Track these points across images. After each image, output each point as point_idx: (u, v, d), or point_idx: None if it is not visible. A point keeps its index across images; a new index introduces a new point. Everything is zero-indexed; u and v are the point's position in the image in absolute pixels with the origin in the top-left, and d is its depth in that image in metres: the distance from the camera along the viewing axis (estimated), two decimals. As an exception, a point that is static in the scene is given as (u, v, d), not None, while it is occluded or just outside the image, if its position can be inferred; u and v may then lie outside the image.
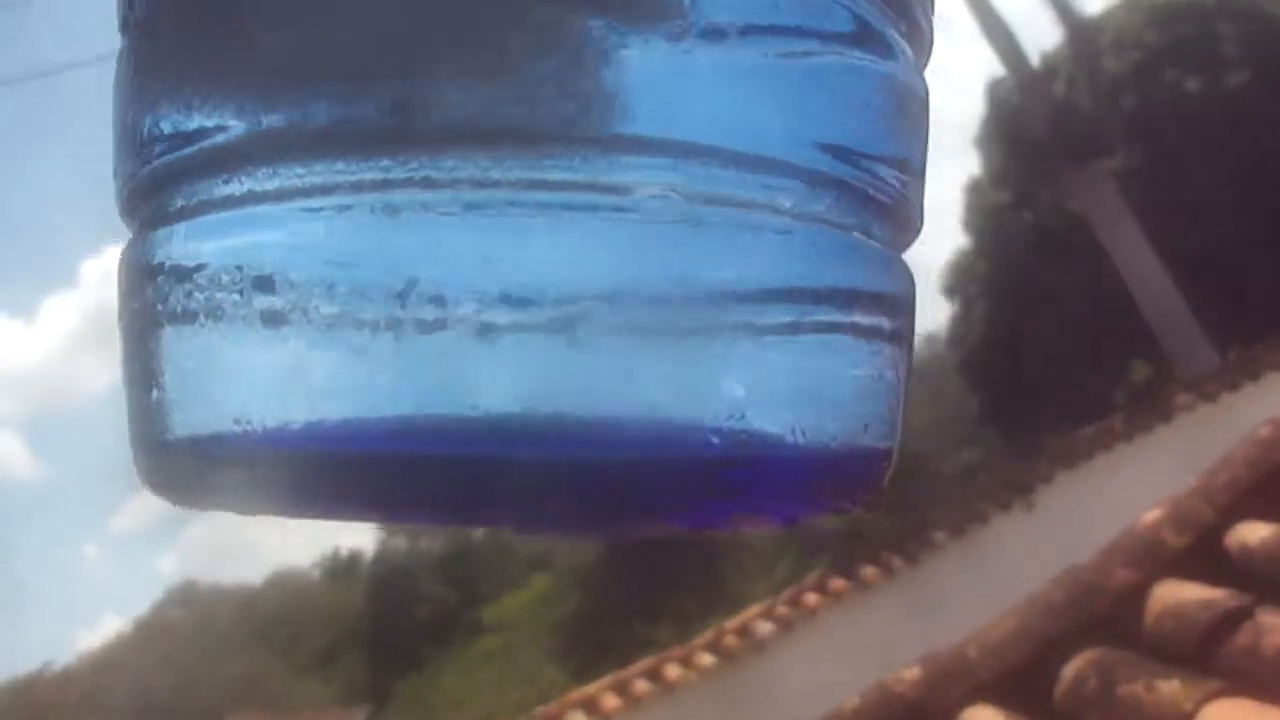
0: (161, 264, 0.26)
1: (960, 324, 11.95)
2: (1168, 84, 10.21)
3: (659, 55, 0.24)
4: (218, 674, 15.67)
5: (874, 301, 0.29)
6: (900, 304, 0.30)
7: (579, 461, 0.24)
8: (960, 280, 11.97)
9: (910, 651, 1.65)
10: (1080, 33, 9.78)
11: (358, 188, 0.24)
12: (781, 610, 5.56)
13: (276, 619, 17.02)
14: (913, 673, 1.55)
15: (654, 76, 0.24)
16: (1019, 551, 5.23)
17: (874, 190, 0.28)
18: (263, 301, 0.24)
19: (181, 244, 0.26)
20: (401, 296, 0.23)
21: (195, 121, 0.25)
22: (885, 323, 0.29)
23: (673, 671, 5.38)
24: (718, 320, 0.25)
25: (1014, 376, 10.58)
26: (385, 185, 0.24)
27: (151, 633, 18.28)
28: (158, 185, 0.27)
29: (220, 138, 0.25)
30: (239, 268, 0.25)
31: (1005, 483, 6.12)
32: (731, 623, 5.66)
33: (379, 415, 0.24)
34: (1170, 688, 1.34)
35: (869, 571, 5.67)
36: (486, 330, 0.23)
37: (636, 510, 0.27)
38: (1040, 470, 6.00)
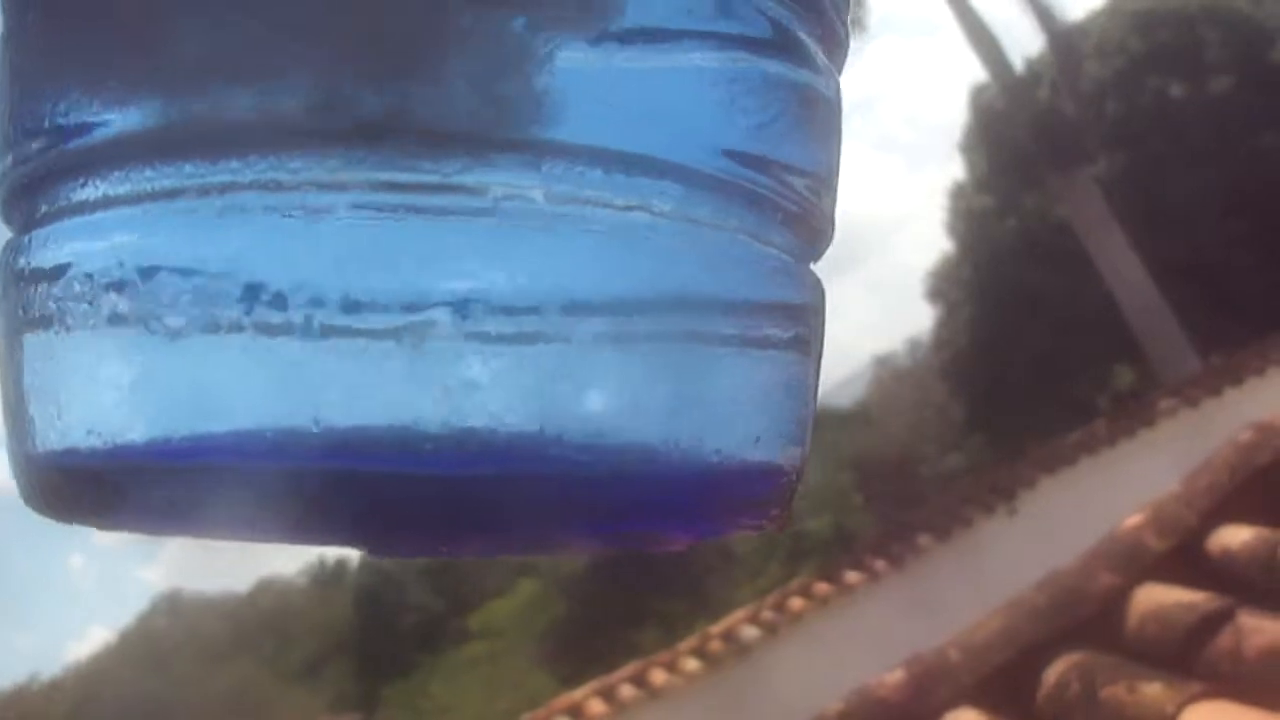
0: (23, 270, 0.26)
1: (944, 329, 11.99)
2: (1151, 90, 10.25)
3: (552, 58, 0.23)
4: (205, 683, 15.59)
5: (765, 310, 0.27)
6: (800, 312, 0.28)
7: (434, 477, 0.23)
8: (944, 285, 12.01)
9: (895, 655, 1.65)
10: (1063, 39, 9.81)
11: (204, 191, 0.23)
12: (766, 615, 5.56)
13: (263, 627, 16.95)
14: (896, 676, 1.55)
15: (536, 79, 0.23)
16: (1003, 555, 5.24)
17: (774, 195, 0.27)
18: (111, 309, 0.23)
19: (40, 249, 0.25)
20: (245, 302, 0.22)
21: (53, 124, 0.25)
22: (778, 332, 0.27)
23: (658, 677, 5.37)
24: (576, 329, 0.23)
25: (998, 381, 10.61)
26: (231, 188, 0.23)
27: (138, 643, 18.20)
28: (24, 189, 0.26)
29: (76, 141, 0.24)
30: (90, 275, 0.24)
31: (989, 487, 6.13)
32: (717, 627, 5.65)
33: (222, 431, 0.23)
34: (1152, 690, 1.35)
35: (853, 576, 5.67)
36: (330, 337, 0.22)
37: (502, 531, 0.25)
38: (1024, 475, 6.01)
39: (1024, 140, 9.44)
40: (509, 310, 0.23)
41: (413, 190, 0.22)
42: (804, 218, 0.28)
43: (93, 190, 0.24)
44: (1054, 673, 1.48)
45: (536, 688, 11.22)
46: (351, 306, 0.22)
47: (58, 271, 0.24)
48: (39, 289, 0.25)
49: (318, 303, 0.22)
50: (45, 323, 0.24)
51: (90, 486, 0.25)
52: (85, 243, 0.24)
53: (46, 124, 0.25)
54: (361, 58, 0.23)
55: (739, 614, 5.72)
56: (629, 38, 0.24)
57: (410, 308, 0.22)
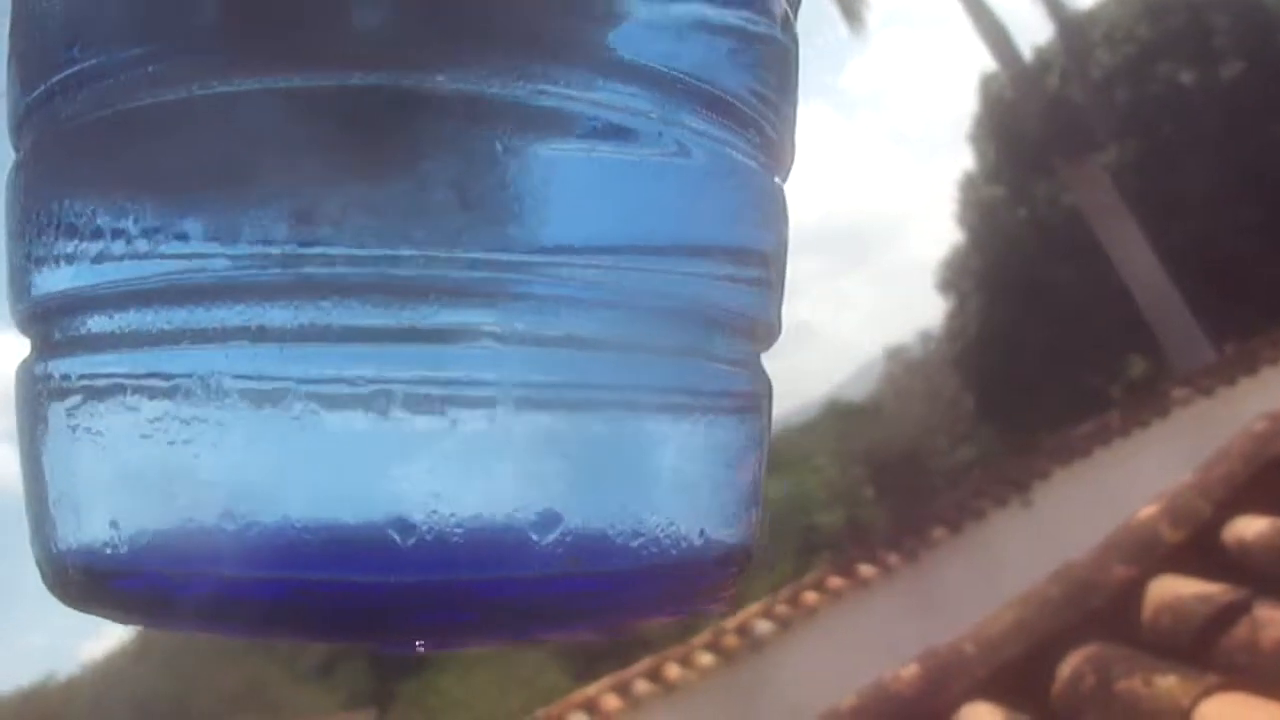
0: (43, 385, 0.28)
1: (955, 320, 11.97)
2: (1161, 77, 10.22)
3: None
4: (219, 682, 15.67)
5: (709, 406, 0.29)
6: (748, 402, 0.30)
7: (418, 583, 0.25)
8: (955, 276, 11.99)
9: (909, 649, 1.65)
10: (1073, 27, 9.79)
11: (200, 337, 0.25)
12: (780, 609, 5.56)
13: (276, 625, 17.02)
14: (910, 670, 1.55)
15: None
16: (1016, 548, 5.23)
17: (716, 300, 0.28)
18: (122, 425, 0.25)
19: (57, 367, 0.27)
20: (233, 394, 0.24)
21: (69, 255, 0.26)
22: (727, 430, 0.29)
23: (673, 671, 5.38)
24: (524, 425, 0.25)
25: (1010, 373, 10.59)
26: (223, 335, 0.24)
27: (153, 642, 18.27)
28: (39, 317, 0.28)
29: (85, 285, 0.26)
30: (104, 393, 0.26)
31: (1002, 479, 6.12)
32: (730, 622, 5.66)
33: (222, 544, 0.24)
34: (1167, 683, 1.34)
35: (867, 569, 5.67)
36: (318, 409, 0.24)
37: (483, 631, 0.27)
38: (1037, 467, 6.00)
39: (1034, 129, 9.42)
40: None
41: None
42: (753, 319, 0.30)
43: (104, 324, 0.26)
44: (1068, 666, 1.48)
45: (549, 684, 11.24)
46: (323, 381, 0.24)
47: (75, 389, 0.27)
48: (57, 402, 0.27)
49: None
50: (65, 434, 0.27)
51: (106, 585, 0.27)
52: (96, 366, 0.26)
53: (60, 256, 0.27)
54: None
55: (753, 608, 5.73)
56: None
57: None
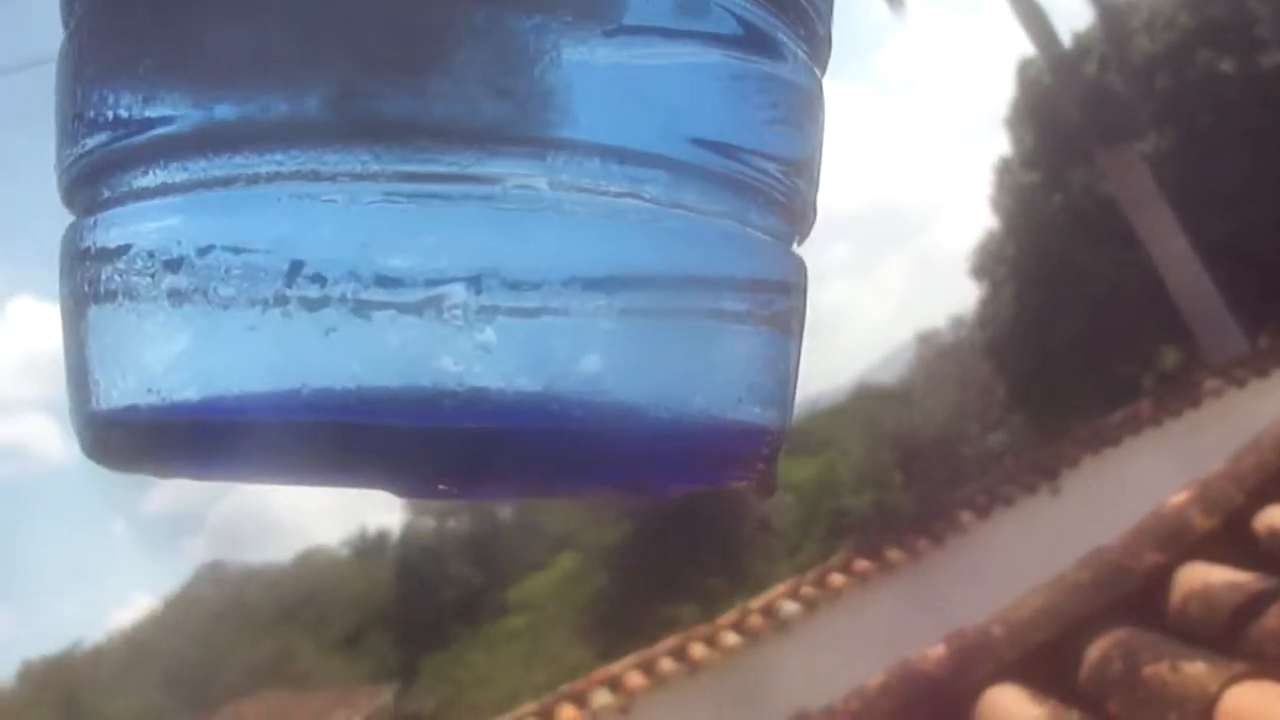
0: (89, 249, 0.29)
1: (988, 306, 11.91)
2: (1201, 65, 10.12)
3: (556, 58, 0.26)
4: (247, 652, 15.77)
5: (746, 286, 0.30)
6: (781, 288, 0.32)
7: (453, 430, 0.26)
8: (988, 262, 11.93)
9: (934, 632, 1.65)
10: (1112, 13, 9.70)
11: (253, 180, 0.26)
12: (806, 590, 5.57)
13: (304, 598, 17.12)
14: (938, 650, 1.55)
15: (534, 77, 0.26)
16: (1044, 535, 5.22)
17: (752, 181, 0.30)
18: (170, 283, 0.26)
19: (105, 231, 0.28)
20: (288, 277, 0.25)
21: (117, 117, 0.27)
22: (760, 307, 0.30)
23: (698, 650, 5.39)
24: (575, 302, 0.26)
25: (1041, 360, 10.54)
26: (276, 177, 0.26)
27: (181, 611, 18.42)
28: (87, 177, 0.29)
29: (139, 135, 0.27)
30: (151, 253, 0.27)
31: (1032, 466, 6.10)
32: (756, 602, 5.66)
33: (268, 390, 0.26)
34: (1195, 669, 1.34)
35: (894, 553, 5.67)
36: (363, 309, 0.25)
37: (513, 477, 0.28)
38: (1067, 454, 5.98)
39: (1071, 116, 9.34)
40: (517, 285, 0.26)
41: (433, 180, 0.26)
42: (779, 200, 0.31)
43: (153, 178, 0.27)
44: (1096, 650, 1.48)
45: (574, 661, 11.28)
46: (381, 282, 0.25)
47: (120, 250, 0.28)
48: (103, 266, 0.28)
49: (352, 278, 0.25)
50: (109, 296, 0.28)
51: (149, 439, 0.28)
52: (146, 224, 0.27)
53: (111, 117, 0.28)
54: (380, 59, 0.26)
55: (779, 589, 5.73)
56: (622, 38, 0.27)
57: (431, 283, 0.25)
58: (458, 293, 0.25)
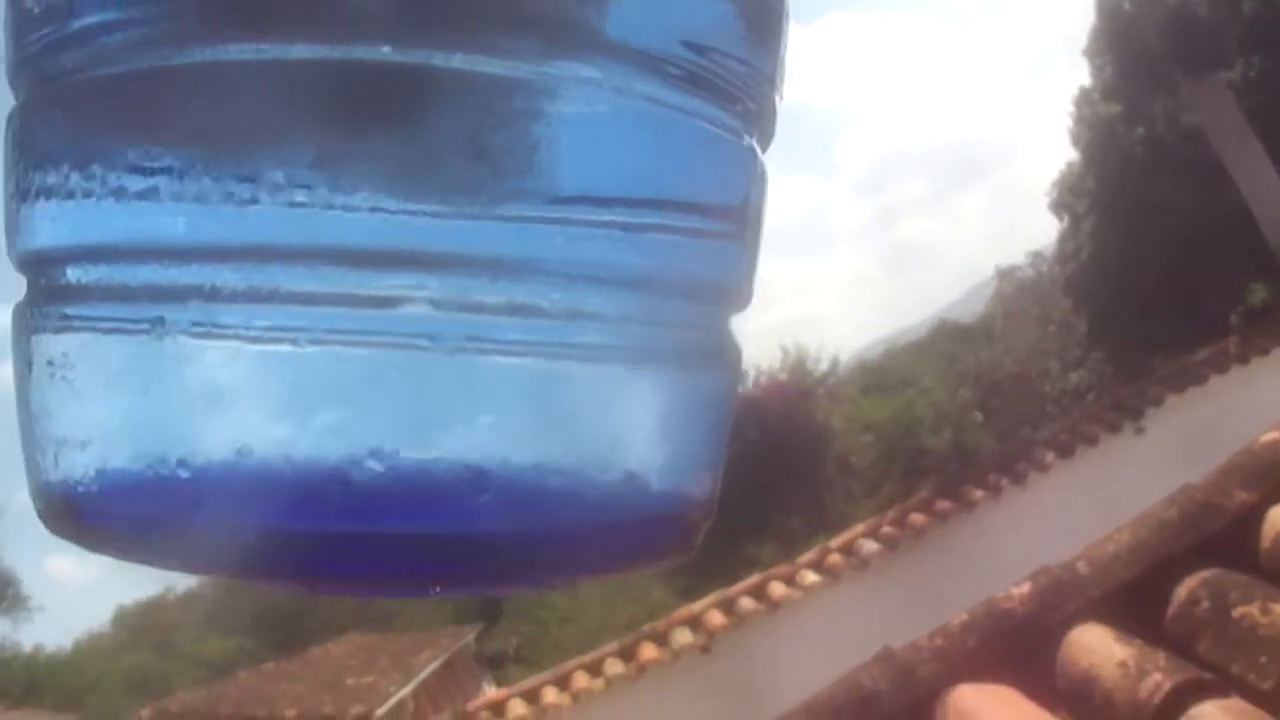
0: (29, 325, 0.30)
1: (1068, 241, 11.70)
2: (1290, -10, 9.82)
3: None
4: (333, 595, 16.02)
5: (659, 363, 0.30)
6: (704, 361, 0.32)
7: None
8: (1068, 196, 11.71)
9: (1017, 572, 1.64)
10: (1197, -62, 9.43)
11: (161, 295, 0.27)
12: (887, 529, 5.57)
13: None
14: (1023, 588, 1.55)
15: None
16: (1128, 474, 5.17)
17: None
18: (87, 369, 0.28)
19: (40, 310, 0.30)
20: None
21: (51, 216, 0.29)
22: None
23: (778, 590, 5.42)
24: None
25: (1124, 296, 10.37)
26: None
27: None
28: (27, 264, 0.31)
29: (60, 239, 0.29)
30: (65, 354, 0.29)
31: (1115, 405, 6.03)
32: (836, 541, 5.67)
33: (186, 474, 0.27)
34: (1286, 609, 1.33)
35: (975, 492, 5.64)
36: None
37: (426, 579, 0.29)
38: (1151, 393, 5.90)
39: (1154, 44, 9.12)
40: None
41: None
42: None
43: (80, 275, 0.29)
44: (1184, 589, 1.46)
45: (656, 600, 11.36)
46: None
47: (53, 332, 0.29)
48: (39, 345, 0.30)
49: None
50: (41, 374, 0.30)
51: (79, 519, 0.29)
52: (73, 313, 0.29)
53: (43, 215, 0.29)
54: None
55: (858, 528, 5.73)
56: None
57: None
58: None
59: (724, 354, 0.33)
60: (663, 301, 0.30)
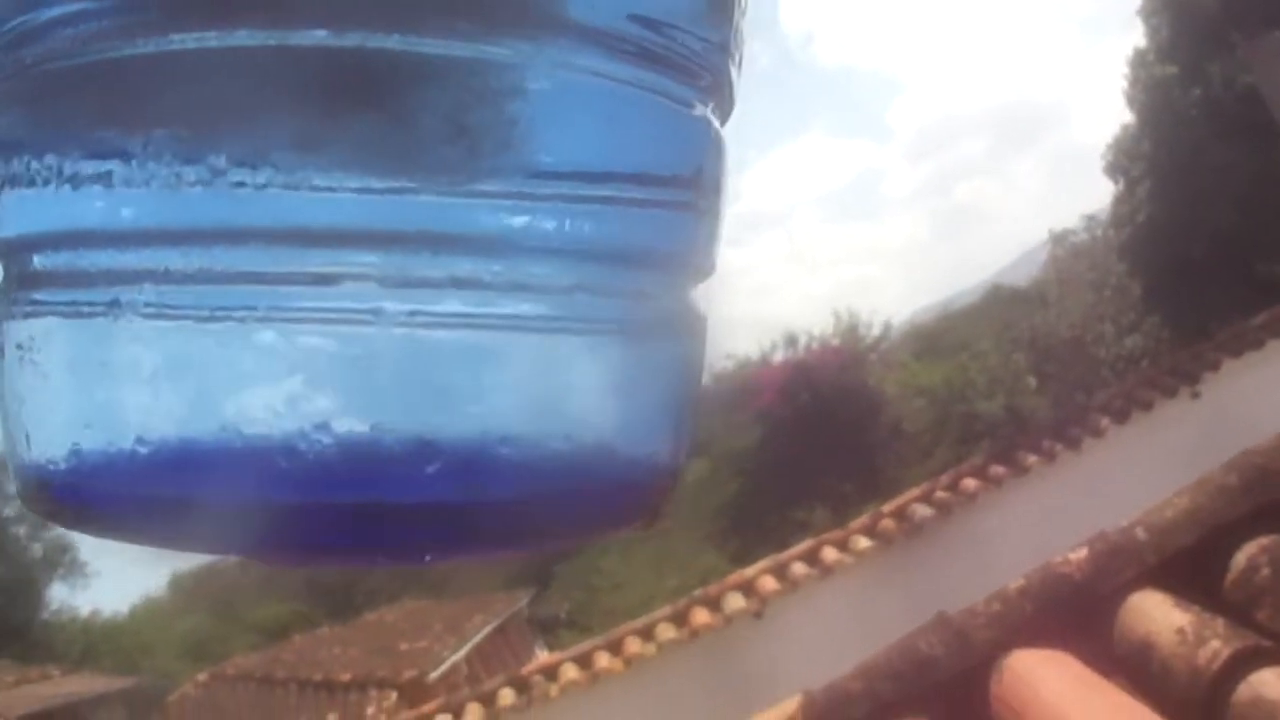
0: (7, 315, 0.31)
1: (1123, 204, 11.58)
2: (1353, -54, 9.63)
3: None
4: (386, 557, 16.17)
5: (616, 333, 0.31)
6: (662, 329, 0.33)
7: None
8: (1123, 159, 11.58)
9: (1071, 537, 1.63)
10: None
11: (117, 279, 0.28)
12: (940, 495, 5.55)
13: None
14: (1080, 554, 1.54)
15: None
16: (1185, 439, 5.13)
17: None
18: (52, 353, 0.30)
19: (9, 296, 0.31)
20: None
21: (17, 204, 0.30)
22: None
23: (830, 554, 5.42)
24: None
25: (1180, 260, 10.25)
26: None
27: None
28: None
29: (26, 227, 0.30)
30: (32, 338, 0.30)
31: (1170, 369, 5.97)
32: (889, 506, 5.66)
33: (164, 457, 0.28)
34: (1348, 575, 1.32)
35: (1029, 457, 5.61)
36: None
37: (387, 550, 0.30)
38: (1207, 357, 5.84)
39: (1210, 3, 8.98)
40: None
41: None
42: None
43: (43, 261, 0.30)
44: (1243, 556, 1.45)
45: (707, 565, 11.40)
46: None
47: (21, 318, 0.31)
48: (8, 330, 0.31)
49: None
50: (11, 359, 0.31)
51: (53, 499, 0.31)
52: (38, 299, 0.30)
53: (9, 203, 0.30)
54: None
55: (912, 493, 5.72)
56: None
57: None
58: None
59: (682, 322, 0.34)
60: (612, 271, 0.30)
